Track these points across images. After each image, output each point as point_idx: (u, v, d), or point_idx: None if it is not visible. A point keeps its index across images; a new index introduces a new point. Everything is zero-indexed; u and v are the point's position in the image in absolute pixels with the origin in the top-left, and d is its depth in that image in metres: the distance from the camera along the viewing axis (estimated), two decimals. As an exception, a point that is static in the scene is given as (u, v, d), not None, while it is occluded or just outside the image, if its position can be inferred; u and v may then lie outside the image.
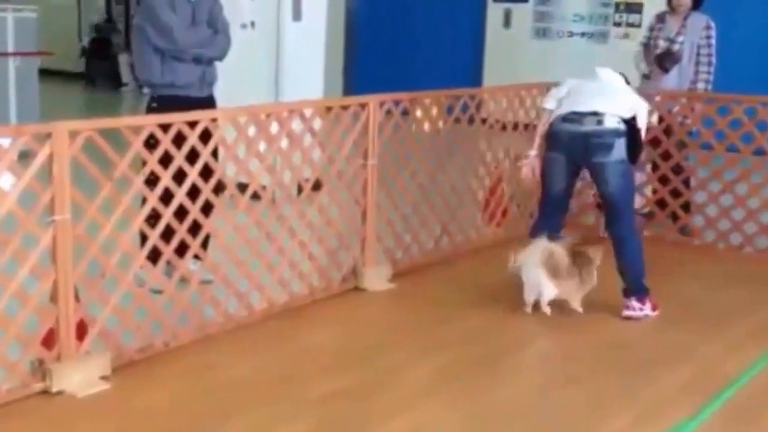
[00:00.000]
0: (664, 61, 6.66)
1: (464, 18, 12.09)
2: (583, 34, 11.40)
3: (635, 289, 4.96)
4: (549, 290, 4.86)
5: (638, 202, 6.55)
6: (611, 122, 4.83)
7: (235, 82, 6.80)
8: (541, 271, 4.81)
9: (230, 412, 3.72)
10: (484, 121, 6.18)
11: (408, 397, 3.95)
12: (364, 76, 12.67)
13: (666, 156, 6.40)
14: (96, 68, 15.44)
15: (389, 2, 12.68)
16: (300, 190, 5.06)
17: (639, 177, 6.45)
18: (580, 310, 4.98)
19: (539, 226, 5.10)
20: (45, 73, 13.14)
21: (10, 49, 8.70)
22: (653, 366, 4.36)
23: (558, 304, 4.95)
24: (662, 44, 6.74)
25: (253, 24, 7.30)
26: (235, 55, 6.57)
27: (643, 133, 5.04)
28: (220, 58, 5.10)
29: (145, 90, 5.03)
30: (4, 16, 8.79)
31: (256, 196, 4.61)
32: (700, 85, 6.65)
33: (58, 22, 15.84)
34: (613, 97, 4.95)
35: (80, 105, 14.50)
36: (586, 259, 4.97)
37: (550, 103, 5.14)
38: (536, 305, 4.94)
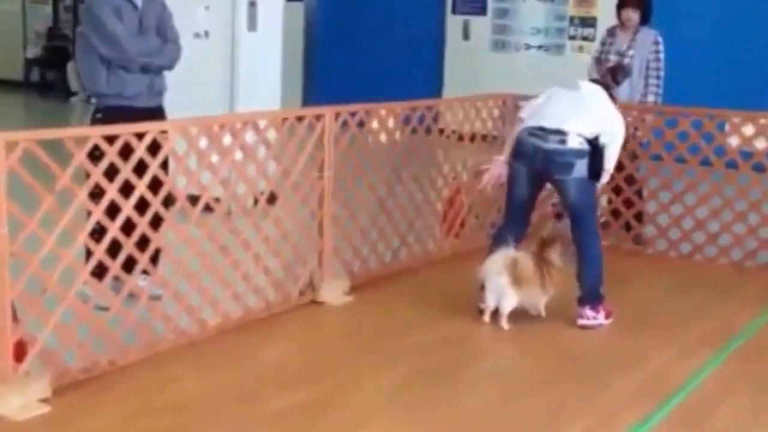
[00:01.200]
0: (616, 74, 6.62)
1: (424, 29, 11.98)
2: (540, 47, 11.35)
3: (590, 297, 4.89)
4: (510, 300, 4.74)
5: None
6: (574, 142, 4.77)
7: (188, 93, 6.54)
8: (504, 279, 4.69)
9: (180, 434, 3.49)
10: (441, 132, 6.03)
11: (366, 410, 3.80)
12: (323, 87, 12.49)
13: (619, 167, 6.31)
14: (44, 77, 15.08)
15: (349, 13, 12.52)
16: (255, 202, 4.85)
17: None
18: (544, 314, 4.89)
19: (502, 234, 4.99)
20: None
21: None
22: (609, 372, 4.33)
23: (515, 314, 4.81)
24: (613, 58, 6.74)
25: (207, 33, 7.08)
26: (189, 66, 6.37)
27: (616, 149, 4.94)
28: (170, 67, 4.88)
29: (93, 100, 4.79)
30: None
31: (209, 209, 4.40)
32: (650, 98, 6.67)
33: (1, 30, 15.46)
34: (585, 113, 4.86)
35: (26, 115, 14.11)
36: (549, 264, 4.87)
37: (524, 112, 5.05)
38: (495, 314, 4.80)
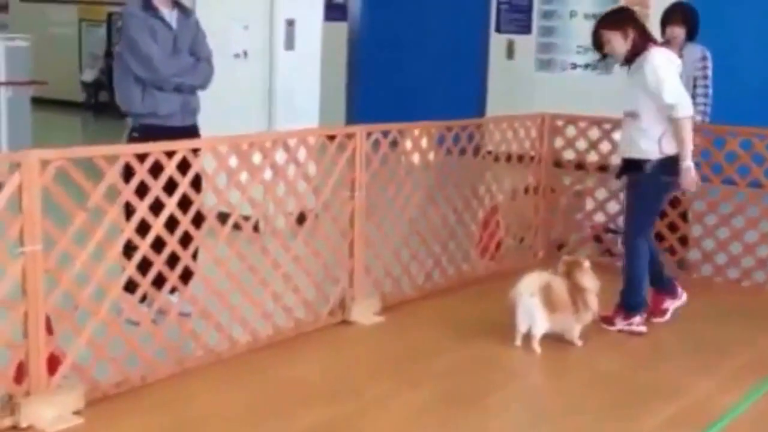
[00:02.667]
0: None
1: (467, 48, 12.12)
2: (586, 66, 11.40)
3: (622, 305, 5.22)
4: (541, 324, 4.82)
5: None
6: None
7: (228, 112, 6.84)
8: (535, 302, 4.78)
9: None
10: (476, 152, 6.16)
11: (393, 430, 3.91)
12: (367, 106, 12.69)
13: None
14: (98, 98, 15.52)
15: (393, 32, 12.72)
16: (298, 221, 5.04)
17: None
18: (579, 343, 4.95)
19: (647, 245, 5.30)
20: (46, 103, 13.31)
21: (2, 78, 8.75)
22: (646, 399, 4.33)
23: (549, 335, 4.90)
24: None
25: (245, 53, 7.33)
26: (228, 85, 6.67)
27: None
28: (203, 86, 5.10)
29: (129, 120, 5.03)
30: (-6, 46, 8.89)
31: (238, 227, 4.59)
32: (698, 117, 6.59)
33: (58, 52, 15.97)
34: None
35: (82, 135, 14.54)
36: (583, 290, 4.94)
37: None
38: (527, 337, 4.90)
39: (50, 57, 15.02)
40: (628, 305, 5.26)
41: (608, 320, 5.27)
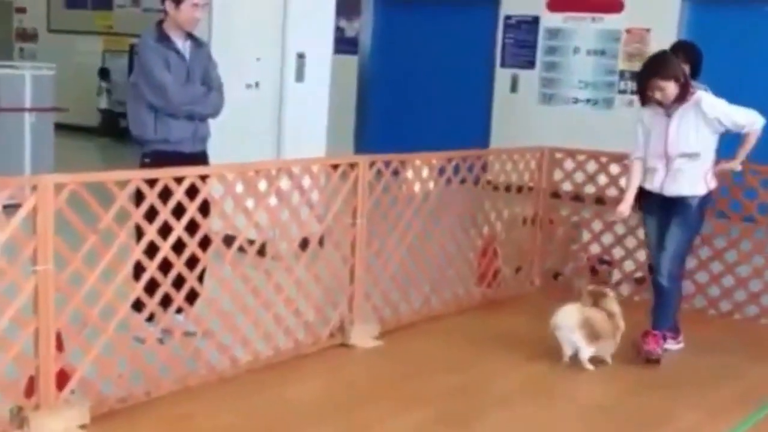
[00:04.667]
0: None
1: (473, 83, 12.23)
2: (588, 101, 11.48)
3: (664, 329, 5.38)
4: (587, 352, 5.08)
5: (630, 267, 6.56)
6: None
7: (239, 140, 6.94)
8: (577, 336, 5.02)
9: (203, 464, 3.73)
10: (476, 182, 6.21)
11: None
12: (375, 137, 12.79)
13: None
14: (119, 124, 15.69)
15: (401, 66, 12.85)
16: (291, 246, 5.09)
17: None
18: (610, 361, 5.18)
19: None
20: (69, 129, 13.48)
21: (27, 104, 8.87)
22: (635, 429, 4.36)
23: (547, 365, 4.92)
24: None
25: (257, 84, 7.42)
26: (240, 114, 6.76)
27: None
28: (214, 115, 5.17)
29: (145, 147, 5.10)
30: (22, 74, 9.00)
31: (243, 251, 4.65)
32: None
33: (81, 80, 16.17)
34: None
35: (99, 158, 14.70)
36: (613, 314, 5.20)
37: None
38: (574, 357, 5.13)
39: (73, 85, 15.21)
40: (668, 326, 5.39)
41: (653, 351, 5.25)
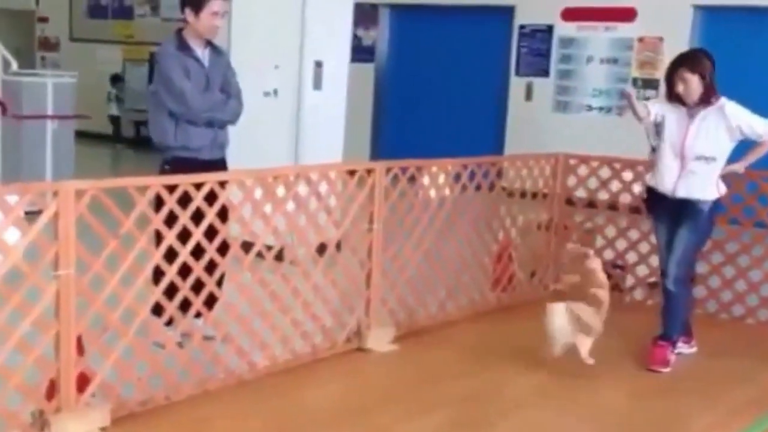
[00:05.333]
0: None
1: (488, 90, 12.22)
2: (601, 108, 11.45)
3: (674, 334, 5.32)
4: (586, 345, 4.95)
5: (643, 271, 6.52)
6: None
7: (257, 146, 6.94)
8: (570, 333, 4.90)
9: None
10: (491, 188, 6.18)
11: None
12: (391, 144, 12.81)
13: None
14: (139, 132, 15.76)
15: (417, 74, 12.86)
16: (309, 251, 5.07)
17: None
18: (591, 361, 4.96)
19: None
20: (90, 136, 13.57)
21: (49, 112, 8.91)
22: (647, 433, 4.31)
23: (556, 368, 4.88)
24: None
25: (276, 92, 7.42)
26: (259, 121, 6.76)
27: None
28: (232, 122, 5.16)
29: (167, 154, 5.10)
30: (44, 82, 9.05)
31: (261, 256, 4.64)
32: None
33: (101, 88, 16.26)
34: None
35: (122, 166, 14.76)
36: (590, 271, 5.09)
37: None
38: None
39: (95, 92, 15.30)
40: (679, 331, 5.33)
41: (657, 370, 5.18)
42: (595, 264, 5.11)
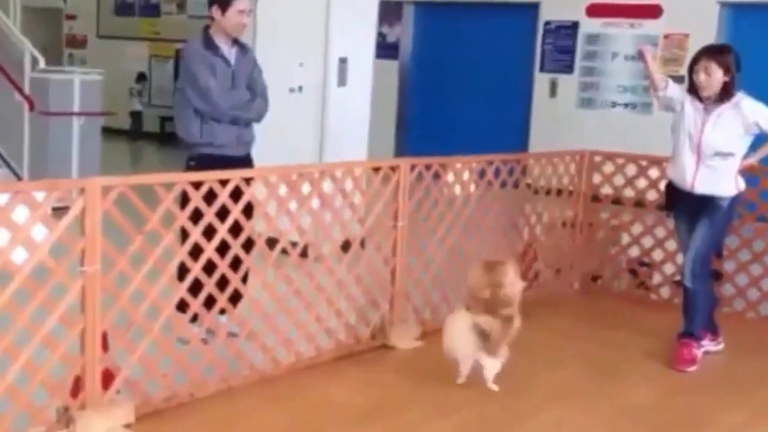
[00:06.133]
0: None
1: (513, 87, 12.13)
2: (626, 105, 11.33)
3: (698, 331, 5.23)
4: (491, 367, 4.53)
5: (669, 269, 6.42)
6: None
7: (282, 143, 6.91)
8: (474, 350, 4.49)
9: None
10: (516, 185, 6.12)
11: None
12: (415, 140, 12.75)
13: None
14: (164, 128, 15.82)
15: (441, 70, 12.79)
16: (333, 248, 5.04)
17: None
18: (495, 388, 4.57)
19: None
20: (110, 132, 13.65)
21: (76, 109, 8.93)
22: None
23: (589, 364, 4.81)
24: None
25: (300, 88, 7.39)
26: (283, 117, 6.73)
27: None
28: (258, 119, 5.14)
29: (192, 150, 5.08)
30: (71, 79, 9.07)
31: (285, 253, 4.60)
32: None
33: (128, 84, 16.33)
34: None
35: (142, 160, 14.83)
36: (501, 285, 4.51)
37: None
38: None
39: (121, 89, 15.38)
40: (700, 327, 5.24)
41: (690, 359, 5.12)
42: (508, 277, 4.54)
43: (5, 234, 3.49)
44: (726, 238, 5.86)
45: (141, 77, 16.56)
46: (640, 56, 5.37)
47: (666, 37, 10.90)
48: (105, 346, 3.87)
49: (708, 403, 4.64)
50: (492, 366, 4.53)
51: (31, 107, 8.86)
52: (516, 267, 4.68)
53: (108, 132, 14.91)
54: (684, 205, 5.26)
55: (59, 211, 3.68)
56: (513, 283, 4.56)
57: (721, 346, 5.44)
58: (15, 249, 3.52)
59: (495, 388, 4.55)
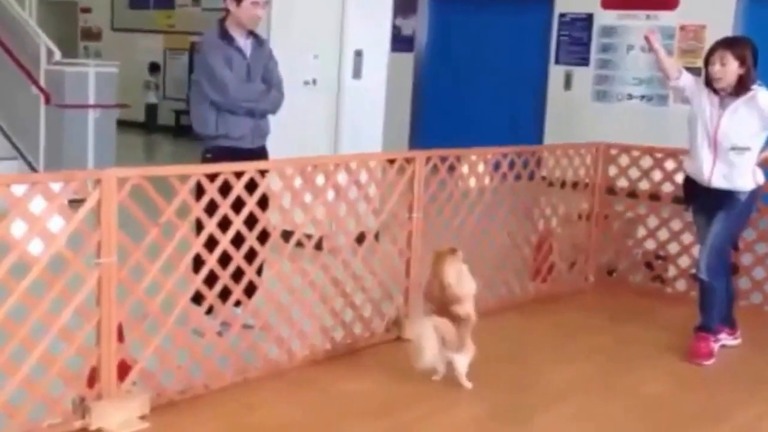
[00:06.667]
0: None
1: (527, 80, 12.08)
2: (642, 97, 11.25)
3: (714, 324, 5.21)
4: (462, 362, 4.47)
5: (685, 262, 6.39)
6: None
7: (297, 135, 6.91)
8: (440, 350, 4.38)
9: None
10: (531, 177, 6.09)
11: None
12: (430, 133, 12.71)
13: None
14: (179, 121, 15.85)
15: (456, 63, 12.74)
16: (348, 240, 5.03)
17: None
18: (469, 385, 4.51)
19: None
20: (125, 124, 13.69)
21: (91, 101, 8.96)
22: (689, 425, 4.24)
23: (601, 357, 4.78)
24: None
25: (315, 81, 7.38)
26: (298, 110, 6.72)
27: None
28: (273, 111, 5.13)
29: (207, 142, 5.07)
30: (86, 71, 9.09)
31: (300, 245, 4.60)
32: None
33: (142, 77, 16.35)
34: None
35: (156, 152, 14.86)
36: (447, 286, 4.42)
37: None
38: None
39: (135, 81, 15.40)
40: (716, 321, 5.20)
41: (706, 353, 5.08)
42: (452, 271, 4.41)
43: (22, 225, 3.50)
44: (743, 231, 5.82)
45: (154, 67, 16.56)
46: (646, 41, 5.33)
47: (682, 28, 10.81)
48: (121, 337, 3.88)
49: (724, 397, 4.62)
50: (460, 363, 4.47)
51: (47, 100, 8.89)
52: (459, 265, 4.49)
53: (123, 124, 14.99)
54: (702, 200, 5.21)
55: (75, 204, 3.69)
56: (460, 284, 4.46)
57: (738, 341, 5.41)
58: (32, 240, 3.52)
59: (468, 385, 4.48)
